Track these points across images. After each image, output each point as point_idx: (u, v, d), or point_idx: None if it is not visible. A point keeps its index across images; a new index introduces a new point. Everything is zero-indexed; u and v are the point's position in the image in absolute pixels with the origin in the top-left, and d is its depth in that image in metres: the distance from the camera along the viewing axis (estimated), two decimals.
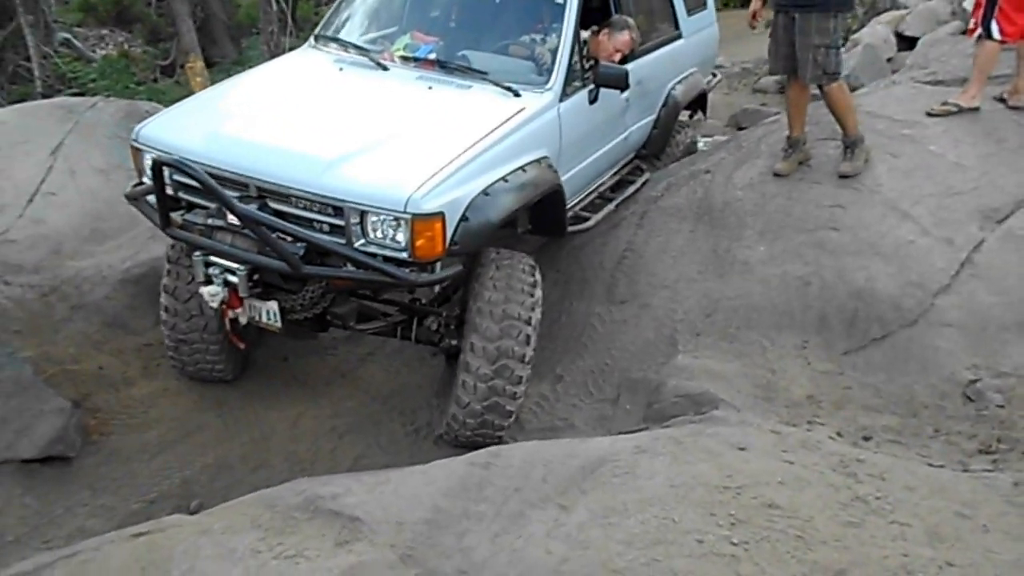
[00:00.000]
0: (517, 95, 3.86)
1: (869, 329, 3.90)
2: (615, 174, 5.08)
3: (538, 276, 3.77)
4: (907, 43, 10.76)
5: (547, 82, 3.99)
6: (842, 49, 4.48)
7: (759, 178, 4.87)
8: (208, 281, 3.42)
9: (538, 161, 3.78)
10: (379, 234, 3.26)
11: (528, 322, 3.60)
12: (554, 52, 4.07)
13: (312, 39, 4.57)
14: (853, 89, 7.90)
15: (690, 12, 5.61)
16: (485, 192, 3.43)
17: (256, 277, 3.42)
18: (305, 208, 3.32)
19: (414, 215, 3.18)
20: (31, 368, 3.87)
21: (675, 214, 4.87)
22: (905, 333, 3.82)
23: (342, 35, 4.46)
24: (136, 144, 3.70)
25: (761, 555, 2.36)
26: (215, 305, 3.48)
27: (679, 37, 5.46)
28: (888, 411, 3.57)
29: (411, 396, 4.49)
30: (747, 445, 3.02)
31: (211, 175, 3.27)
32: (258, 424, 4.21)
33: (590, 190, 4.72)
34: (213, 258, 3.39)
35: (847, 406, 3.63)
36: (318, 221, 3.32)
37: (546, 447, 3.05)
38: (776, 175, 4.79)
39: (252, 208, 3.26)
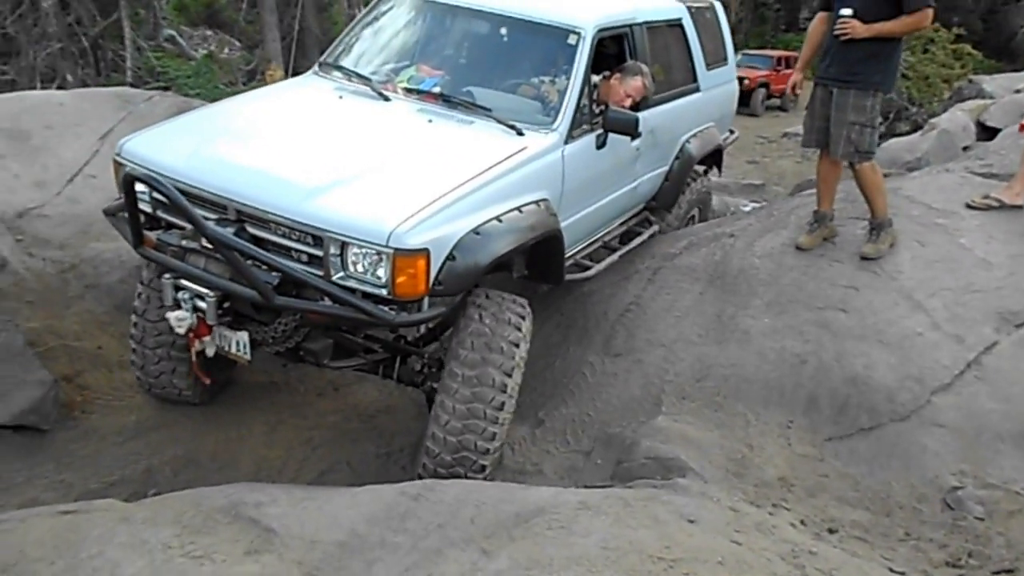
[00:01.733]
0: (520, 134, 3.69)
1: (858, 418, 3.72)
2: (622, 224, 4.90)
3: (528, 319, 3.57)
4: (989, 133, 10.42)
5: (553, 122, 3.81)
6: (877, 129, 4.35)
7: (780, 248, 4.75)
8: (176, 306, 3.26)
9: (537, 203, 3.59)
10: (359, 268, 3.06)
11: (508, 372, 3.39)
12: (562, 93, 3.89)
13: (316, 66, 4.45)
14: (911, 171, 7.70)
15: (709, 66, 5.45)
16: (476, 231, 3.22)
17: (227, 305, 3.26)
18: (284, 235, 3.15)
19: (396, 250, 2.98)
20: (23, 337, 3.98)
21: (688, 273, 4.78)
22: (894, 427, 3.63)
23: (346, 64, 4.31)
24: (118, 158, 3.54)
25: None
26: (182, 331, 3.30)
27: (696, 90, 5.28)
28: (861, 506, 3.39)
29: (394, 418, 4.49)
30: (697, 518, 2.90)
31: (189, 194, 3.14)
32: (237, 424, 4.25)
33: (594, 238, 4.55)
34: (183, 282, 3.23)
35: (820, 494, 3.46)
36: (296, 250, 3.14)
37: (484, 487, 2.99)
38: (798, 248, 4.67)
39: (227, 231, 3.10)
